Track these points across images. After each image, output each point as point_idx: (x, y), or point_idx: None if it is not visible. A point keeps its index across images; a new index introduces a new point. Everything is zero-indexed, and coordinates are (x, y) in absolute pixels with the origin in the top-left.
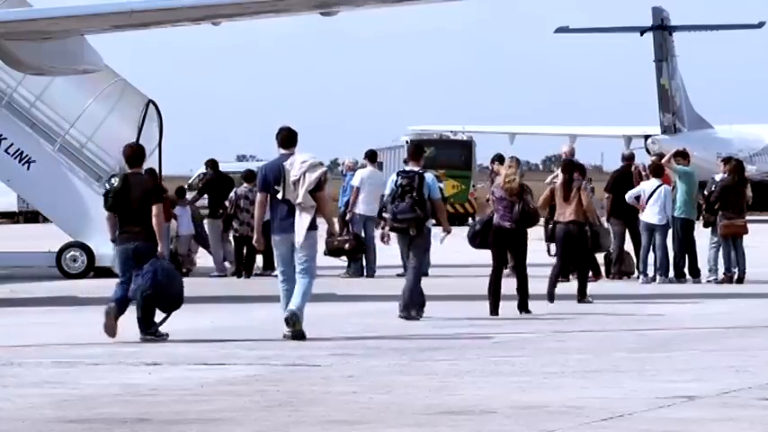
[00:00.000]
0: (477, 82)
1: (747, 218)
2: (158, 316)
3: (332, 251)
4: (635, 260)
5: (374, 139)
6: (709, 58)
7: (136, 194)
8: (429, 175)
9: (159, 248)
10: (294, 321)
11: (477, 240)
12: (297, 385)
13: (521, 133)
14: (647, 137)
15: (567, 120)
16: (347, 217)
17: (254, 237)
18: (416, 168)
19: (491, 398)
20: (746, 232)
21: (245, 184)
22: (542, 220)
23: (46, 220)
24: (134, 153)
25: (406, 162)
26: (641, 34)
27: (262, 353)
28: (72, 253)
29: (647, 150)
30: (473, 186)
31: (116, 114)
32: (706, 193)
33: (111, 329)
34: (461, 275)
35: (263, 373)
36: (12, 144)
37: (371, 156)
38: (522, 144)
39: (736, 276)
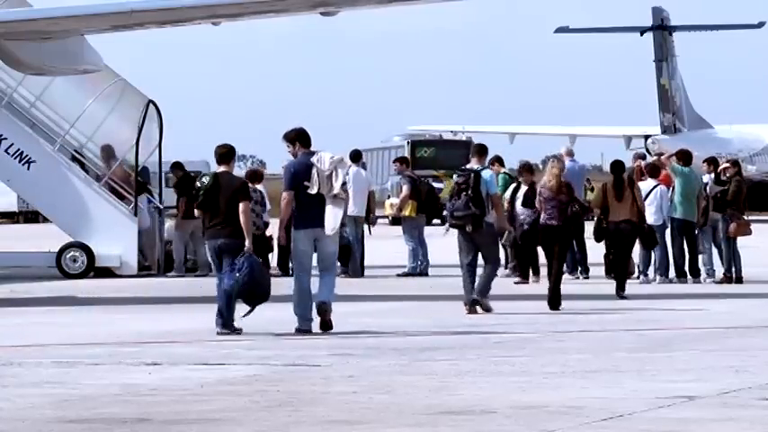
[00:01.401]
0: (477, 82)
1: (747, 218)
2: (240, 310)
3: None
4: (635, 260)
5: (374, 139)
6: (709, 58)
7: (225, 192)
8: (487, 172)
9: (246, 244)
10: (324, 310)
11: (526, 240)
12: (297, 385)
13: (521, 133)
14: (647, 137)
15: (567, 120)
16: None
17: (279, 233)
18: (476, 166)
19: (491, 398)
20: (746, 233)
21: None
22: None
23: (46, 219)
24: (224, 152)
25: (400, 162)
26: (641, 34)
27: (262, 353)
28: (72, 253)
29: (647, 150)
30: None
31: (116, 114)
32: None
33: (223, 330)
34: (459, 276)
35: (263, 373)
36: (12, 144)
37: (356, 156)
38: (522, 144)
39: (734, 277)
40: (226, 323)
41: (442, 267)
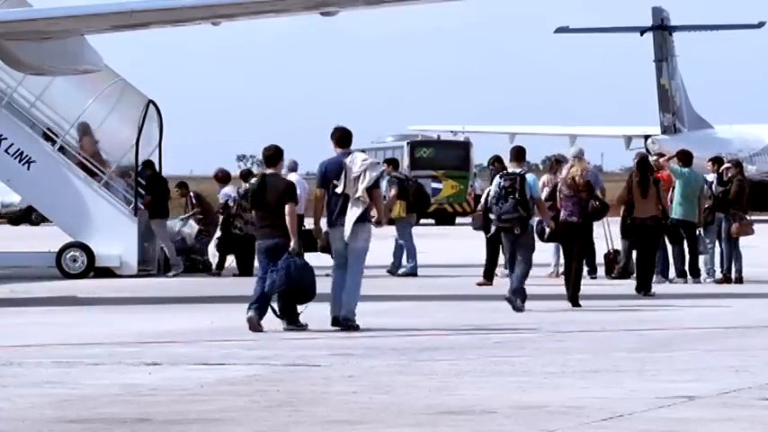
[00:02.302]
0: (478, 82)
1: (747, 218)
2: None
3: (323, 249)
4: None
5: (375, 139)
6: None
7: (271, 194)
8: (530, 176)
9: (292, 245)
10: (349, 326)
11: (545, 236)
12: (297, 385)
13: (521, 133)
14: (647, 137)
15: (567, 120)
16: None
17: (314, 229)
18: (518, 170)
19: (491, 398)
20: (746, 233)
21: (245, 184)
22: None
23: (43, 220)
24: (271, 154)
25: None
26: (641, 34)
27: (262, 353)
28: (72, 253)
29: (647, 150)
30: (470, 186)
31: (116, 114)
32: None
33: (255, 326)
34: (461, 275)
35: (263, 373)
36: (12, 144)
37: None
38: (522, 144)
39: (734, 277)
40: (290, 320)
41: (441, 267)
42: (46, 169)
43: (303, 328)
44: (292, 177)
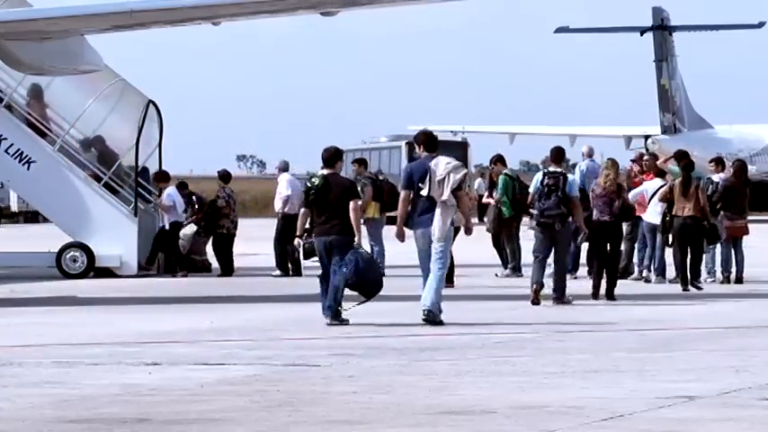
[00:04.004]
0: (477, 82)
1: (747, 218)
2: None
3: (307, 253)
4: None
5: (366, 139)
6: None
7: (335, 192)
8: (571, 176)
9: (356, 240)
10: (432, 319)
11: (578, 237)
12: (297, 385)
13: (521, 133)
14: (647, 137)
15: (567, 120)
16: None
17: (396, 230)
18: (560, 169)
19: (491, 398)
20: (747, 233)
21: (224, 185)
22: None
23: (46, 219)
24: (330, 155)
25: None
26: (641, 34)
27: (262, 353)
28: (72, 253)
29: (647, 150)
30: (468, 186)
31: (116, 114)
32: (708, 193)
33: (341, 321)
34: (461, 275)
35: (263, 373)
36: (12, 144)
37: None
38: (522, 144)
39: (734, 277)
40: (335, 314)
41: (398, 268)
42: (46, 169)
43: (346, 322)
44: (283, 177)
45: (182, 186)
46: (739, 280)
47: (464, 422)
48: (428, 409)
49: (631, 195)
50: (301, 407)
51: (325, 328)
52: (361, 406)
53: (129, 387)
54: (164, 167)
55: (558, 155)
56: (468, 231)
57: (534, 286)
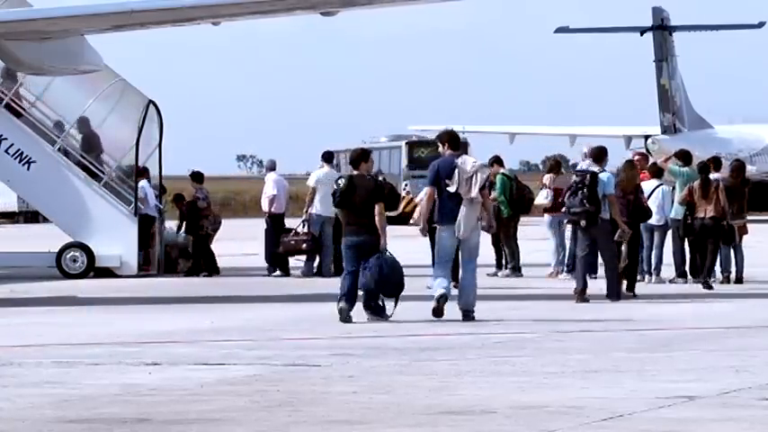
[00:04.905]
0: (478, 82)
1: (748, 218)
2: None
3: (288, 251)
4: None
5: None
6: (709, 58)
7: (360, 194)
8: (605, 174)
9: (381, 242)
10: (468, 316)
11: (615, 236)
12: (297, 385)
13: (521, 133)
14: (647, 137)
15: (567, 120)
16: (303, 217)
17: (420, 225)
18: (595, 168)
19: (491, 398)
20: (746, 233)
21: (200, 186)
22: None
23: (46, 219)
24: (357, 156)
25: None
26: (641, 34)
27: (262, 353)
28: (72, 253)
29: (648, 150)
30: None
31: (116, 114)
32: None
33: (345, 318)
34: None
35: (263, 373)
36: (12, 144)
37: (328, 157)
38: (522, 144)
39: (734, 276)
40: (374, 311)
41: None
42: (46, 169)
43: (387, 318)
44: (271, 177)
45: (178, 199)
46: (739, 280)
47: (464, 422)
48: (428, 409)
49: None
50: (301, 407)
51: (326, 328)
52: (361, 406)
53: (129, 387)
54: (163, 167)
55: (598, 154)
56: (491, 229)
57: (575, 288)
